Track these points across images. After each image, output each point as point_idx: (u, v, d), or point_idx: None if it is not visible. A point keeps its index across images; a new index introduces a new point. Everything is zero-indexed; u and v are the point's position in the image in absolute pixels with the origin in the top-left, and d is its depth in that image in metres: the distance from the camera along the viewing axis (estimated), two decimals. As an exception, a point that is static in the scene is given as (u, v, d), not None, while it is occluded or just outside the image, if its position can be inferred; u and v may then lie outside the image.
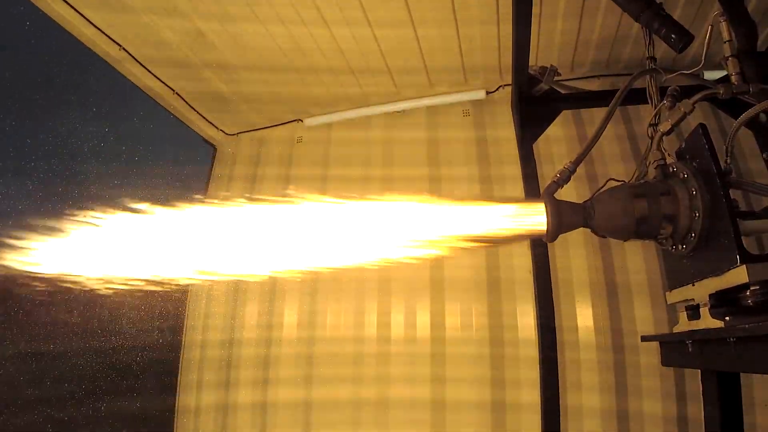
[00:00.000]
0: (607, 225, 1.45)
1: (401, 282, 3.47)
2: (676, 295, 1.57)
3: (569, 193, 1.56)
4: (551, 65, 2.65)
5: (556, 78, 2.68)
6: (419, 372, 3.26)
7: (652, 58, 2.00)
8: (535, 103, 2.75)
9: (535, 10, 2.33)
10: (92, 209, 1.37)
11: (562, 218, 1.41)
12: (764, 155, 1.72)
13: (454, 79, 3.71)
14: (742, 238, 1.27)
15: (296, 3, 2.87)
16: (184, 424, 3.68)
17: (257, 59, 3.42)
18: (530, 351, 3.00)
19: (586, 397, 2.96)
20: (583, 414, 2.94)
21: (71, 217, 1.36)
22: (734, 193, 1.38)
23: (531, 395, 2.86)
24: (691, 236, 1.39)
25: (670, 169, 1.52)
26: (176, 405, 3.76)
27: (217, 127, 4.29)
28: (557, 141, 3.39)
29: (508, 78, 3.44)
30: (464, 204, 1.42)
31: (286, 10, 2.93)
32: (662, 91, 1.78)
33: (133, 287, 1.41)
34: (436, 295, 3.38)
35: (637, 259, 3.10)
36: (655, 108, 1.78)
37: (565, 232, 1.45)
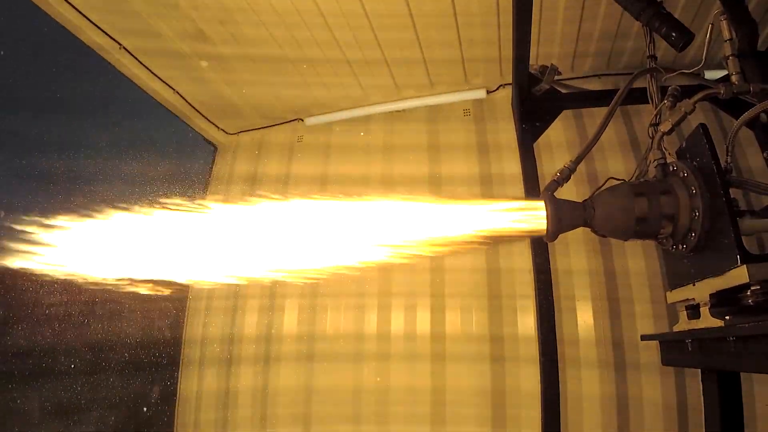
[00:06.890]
0: (607, 224, 1.45)
1: (401, 284, 3.46)
2: (677, 295, 1.57)
3: (569, 192, 1.56)
4: (552, 64, 2.65)
5: (556, 77, 2.69)
6: (419, 375, 3.26)
7: (653, 57, 1.99)
8: (535, 102, 2.74)
9: (535, 8, 2.32)
10: (92, 208, 1.37)
11: (563, 217, 1.41)
12: (765, 154, 1.72)
13: (455, 78, 3.71)
14: (742, 237, 1.27)
15: (296, 2, 2.88)
16: (185, 423, 3.69)
17: (258, 59, 3.42)
18: (531, 351, 3.00)
19: (586, 396, 2.96)
20: (584, 412, 2.94)
21: (71, 217, 1.36)
22: (734, 192, 1.37)
23: (531, 396, 2.86)
24: (691, 236, 1.38)
25: (671, 168, 1.51)
26: (176, 401, 3.77)
27: (217, 127, 4.29)
28: (558, 140, 3.38)
29: (509, 77, 3.44)
30: (464, 203, 1.42)
31: (287, 10, 2.93)
32: (663, 91, 1.77)
33: (132, 287, 1.41)
34: (437, 296, 3.38)
35: (637, 259, 3.09)
36: (656, 107, 1.78)
37: (566, 231, 1.45)
